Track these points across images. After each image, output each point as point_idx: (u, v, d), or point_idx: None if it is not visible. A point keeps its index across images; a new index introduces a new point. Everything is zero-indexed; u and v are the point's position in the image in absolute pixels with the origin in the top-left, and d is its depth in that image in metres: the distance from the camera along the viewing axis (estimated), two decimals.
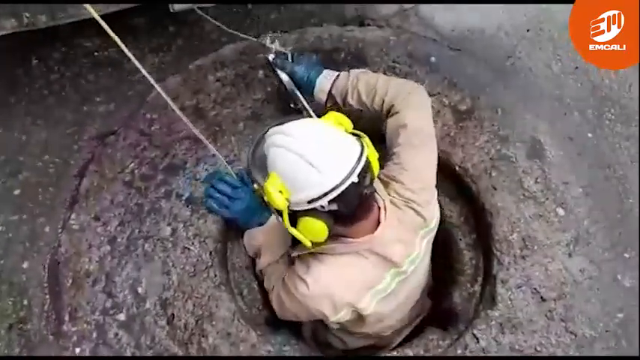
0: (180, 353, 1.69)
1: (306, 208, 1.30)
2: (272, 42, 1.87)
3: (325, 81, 1.72)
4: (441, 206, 2.07)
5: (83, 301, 1.76)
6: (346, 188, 1.26)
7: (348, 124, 1.40)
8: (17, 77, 2.18)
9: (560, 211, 1.94)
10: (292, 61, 1.83)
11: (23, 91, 2.15)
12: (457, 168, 2.03)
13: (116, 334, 1.71)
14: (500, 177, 1.99)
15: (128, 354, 1.68)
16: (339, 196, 1.27)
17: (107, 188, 1.93)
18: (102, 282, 1.78)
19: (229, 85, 2.15)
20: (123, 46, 1.17)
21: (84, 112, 2.11)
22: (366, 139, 1.39)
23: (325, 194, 1.26)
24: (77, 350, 1.69)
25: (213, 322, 1.74)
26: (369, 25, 2.39)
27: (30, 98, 2.14)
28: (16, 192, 1.96)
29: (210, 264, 1.83)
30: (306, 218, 1.32)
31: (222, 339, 1.72)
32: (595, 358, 1.74)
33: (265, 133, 1.37)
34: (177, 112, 1.39)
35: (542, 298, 1.82)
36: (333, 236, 1.40)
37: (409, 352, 1.84)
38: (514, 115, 2.10)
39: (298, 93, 1.81)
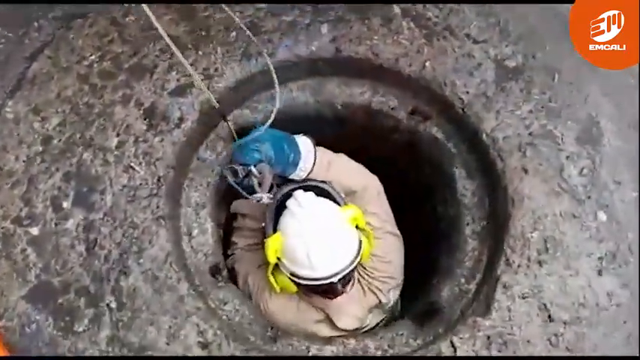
0: (93, 288, 1.43)
1: (289, 275, 1.53)
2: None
3: (301, 173, 1.76)
4: (454, 180, 1.84)
5: None
6: (326, 283, 1.49)
7: (362, 222, 1.55)
8: None
9: (602, 216, 1.65)
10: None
11: None
12: (485, 137, 1.75)
13: (24, 250, 1.49)
14: (537, 159, 1.70)
15: (32, 276, 1.45)
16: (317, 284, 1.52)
17: (57, 79, 1.71)
18: (23, 186, 1.57)
19: None
20: None
21: None
22: (370, 236, 1.59)
23: (306, 279, 1.49)
24: None
25: (141, 261, 1.52)
26: None
27: None
28: None
29: (155, 191, 1.60)
30: (285, 278, 1.55)
31: (146, 282, 1.49)
32: (595, 357, 1.55)
33: (294, 189, 1.52)
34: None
35: (550, 317, 1.55)
36: None
37: (369, 344, 1.62)
38: (574, 84, 1.79)
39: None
